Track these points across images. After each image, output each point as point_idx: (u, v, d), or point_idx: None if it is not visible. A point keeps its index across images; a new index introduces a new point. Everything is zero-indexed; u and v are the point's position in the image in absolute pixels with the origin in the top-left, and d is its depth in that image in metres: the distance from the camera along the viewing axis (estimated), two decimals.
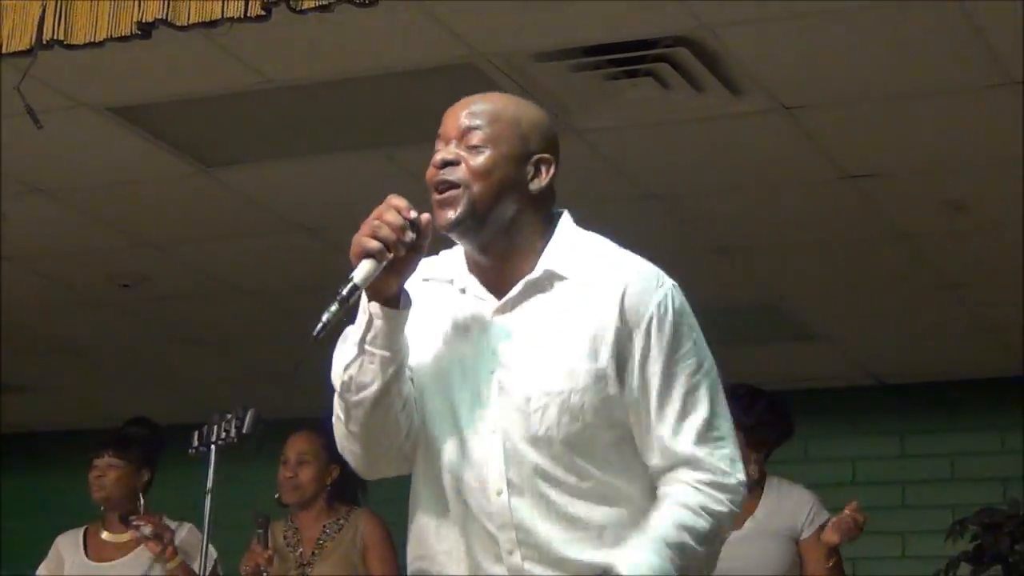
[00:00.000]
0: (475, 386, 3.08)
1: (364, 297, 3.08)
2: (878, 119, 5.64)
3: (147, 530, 5.89)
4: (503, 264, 3.14)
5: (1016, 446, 8.12)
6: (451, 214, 3.07)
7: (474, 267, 3.17)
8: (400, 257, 3.00)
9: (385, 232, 3.01)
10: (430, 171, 3.13)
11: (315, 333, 2.98)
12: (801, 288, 7.26)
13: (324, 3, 4.31)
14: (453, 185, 3.10)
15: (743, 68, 5.30)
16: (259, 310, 7.82)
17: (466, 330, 3.14)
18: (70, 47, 4.58)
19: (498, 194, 3.11)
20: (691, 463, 3.03)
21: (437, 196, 3.10)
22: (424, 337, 3.15)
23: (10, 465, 8.94)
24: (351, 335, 3.10)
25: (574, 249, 3.17)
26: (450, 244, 3.19)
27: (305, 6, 4.32)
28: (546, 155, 3.20)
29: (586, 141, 5.86)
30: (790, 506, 5.45)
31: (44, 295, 7.66)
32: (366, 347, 3.08)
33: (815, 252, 6.82)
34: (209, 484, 5.47)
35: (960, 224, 6.42)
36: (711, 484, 3.02)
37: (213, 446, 5.48)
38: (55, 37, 4.56)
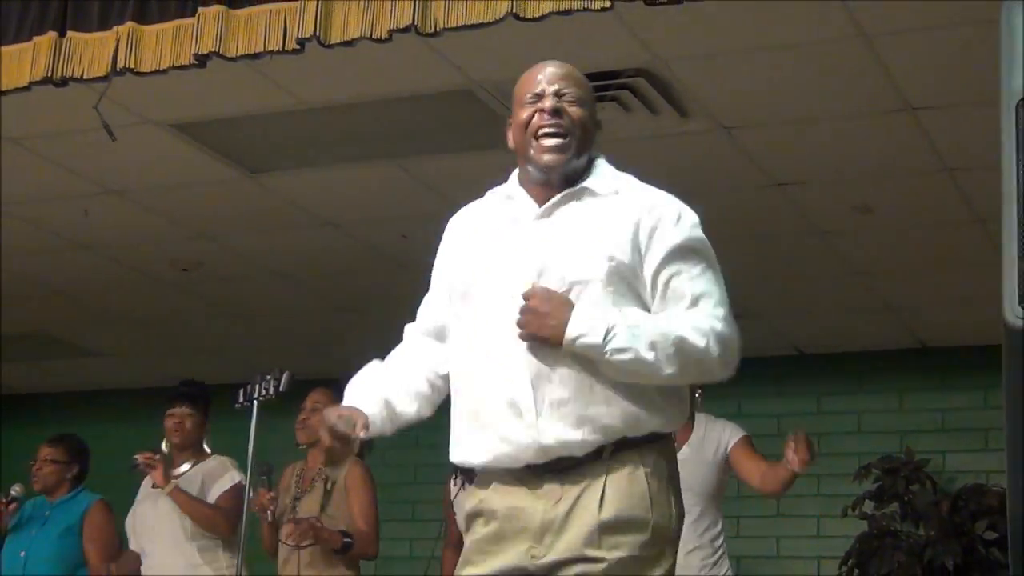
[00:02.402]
0: (517, 273, 3.09)
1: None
2: (800, 137, 5.65)
3: (138, 460, 5.91)
4: (559, 186, 3.22)
5: (911, 405, 8.14)
6: (563, 155, 3.19)
7: (527, 184, 3.26)
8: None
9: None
10: (539, 117, 3.23)
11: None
12: (735, 275, 7.24)
13: (347, 39, 4.32)
14: (562, 131, 3.20)
15: (690, 95, 5.31)
16: (292, 290, 7.81)
17: (513, 228, 3.19)
18: (139, 74, 4.58)
19: (590, 141, 3.27)
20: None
21: (549, 139, 3.19)
22: (476, 242, 3.25)
23: (87, 417, 8.91)
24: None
25: (607, 177, 3.28)
26: None
27: (332, 41, 4.32)
28: (595, 104, 3.35)
29: None
30: (715, 434, 5.44)
31: (117, 277, 7.65)
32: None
33: (748, 245, 6.82)
34: (252, 432, 5.48)
35: (866, 223, 6.43)
36: (710, 320, 3.15)
37: (255, 401, 5.49)
38: (126, 65, 4.56)
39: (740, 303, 8.07)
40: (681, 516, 3.15)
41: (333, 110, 5.59)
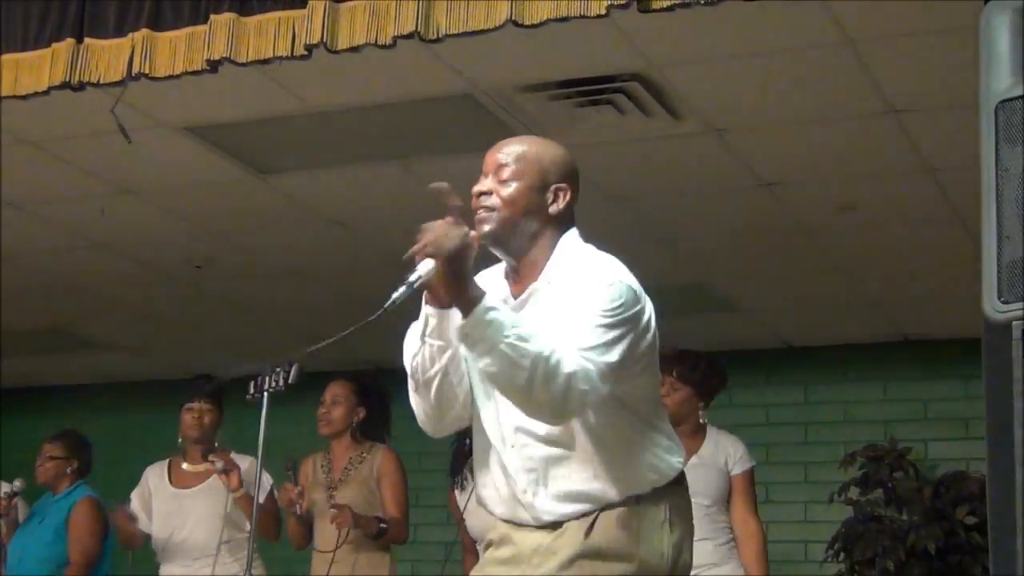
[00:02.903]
0: None
1: (424, 302, 3.15)
2: (787, 139, 5.64)
3: (220, 465, 5.90)
4: (525, 271, 3.22)
5: (895, 395, 8.15)
6: (486, 228, 3.17)
7: (510, 273, 3.25)
8: (454, 265, 2.98)
9: (443, 243, 3.00)
10: (473, 200, 3.19)
11: (386, 306, 3.12)
12: (726, 271, 7.27)
13: (353, 45, 4.31)
14: (489, 209, 3.19)
15: (683, 99, 5.31)
16: (300, 286, 7.82)
17: None
18: (153, 79, 4.57)
19: (523, 216, 3.20)
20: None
21: (476, 217, 3.18)
22: None
23: (103, 408, 8.91)
24: (413, 330, 3.21)
25: (564, 261, 3.20)
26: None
27: (339, 47, 4.32)
28: (563, 184, 3.26)
29: None
30: (724, 448, 5.47)
31: (133, 273, 7.65)
32: (425, 339, 3.16)
33: (737, 243, 6.83)
34: (263, 424, 5.47)
35: (851, 221, 6.43)
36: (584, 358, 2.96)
37: (265, 393, 5.48)
38: (141, 71, 4.55)
39: (730, 299, 8.15)
40: (681, 562, 3.16)
41: (339, 113, 5.59)
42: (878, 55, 4.87)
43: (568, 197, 3.27)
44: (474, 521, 5.82)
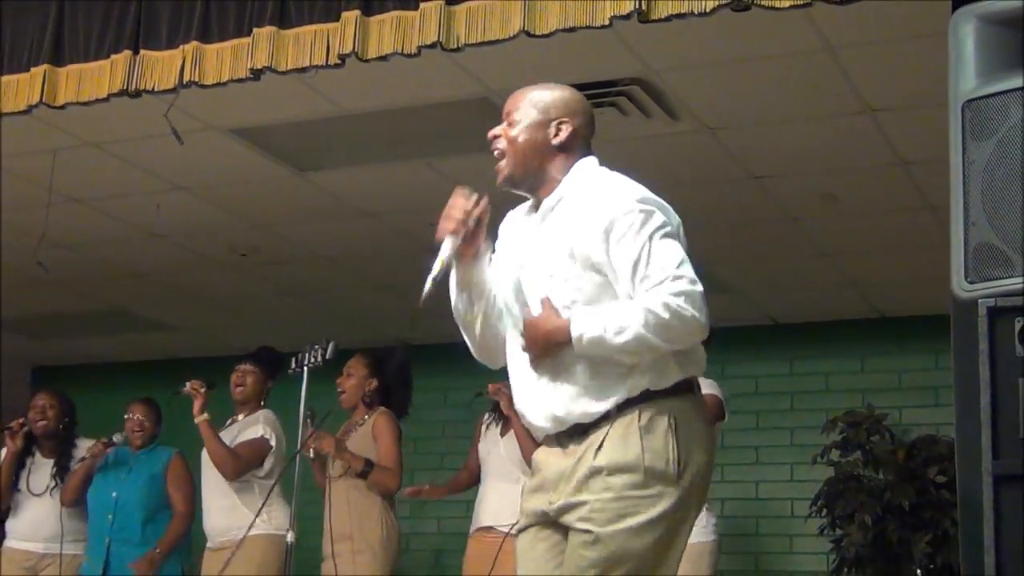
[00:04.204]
0: (521, 273, 3.20)
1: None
2: (774, 136, 5.63)
3: (185, 389, 5.97)
4: (539, 196, 3.26)
5: (872, 367, 8.13)
6: (501, 176, 3.27)
7: (531, 208, 3.31)
8: (470, 231, 3.11)
9: (456, 215, 3.14)
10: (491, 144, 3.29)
11: (420, 303, 3.09)
12: (719, 255, 7.26)
13: (382, 55, 4.32)
14: (501, 154, 3.27)
15: (679, 101, 5.30)
16: (335, 271, 7.82)
17: (523, 239, 3.26)
18: (202, 86, 4.59)
19: (529, 151, 3.25)
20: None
21: (496, 168, 3.28)
22: (506, 252, 3.30)
23: (161, 383, 8.93)
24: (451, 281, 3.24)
25: (578, 180, 3.24)
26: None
27: (369, 56, 4.32)
28: (564, 118, 3.28)
29: None
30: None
31: (185, 261, 7.66)
32: (459, 289, 3.23)
33: (729, 230, 6.81)
34: (303, 394, 5.48)
35: (832, 210, 6.42)
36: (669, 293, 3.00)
37: (305, 367, 5.50)
38: (192, 79, 4.57)
39: (722, 280, 8.14)
40: (690, 461, 3.05)
41: (370, 116, 5.59)
42: (856, 60, 4.86)
43: (571, 128, 3.28)
44: (481, 448, 5.94)
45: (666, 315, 2.97)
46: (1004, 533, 2.63)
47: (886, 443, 7.32)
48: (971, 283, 2.77)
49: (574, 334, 3.01)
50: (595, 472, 3.03)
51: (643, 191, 3.23)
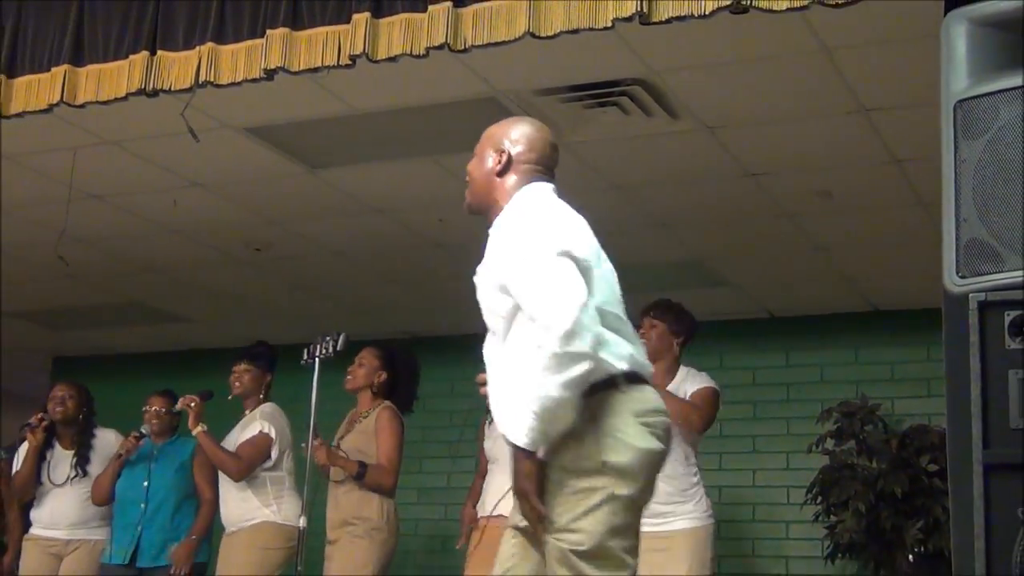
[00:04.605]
0: None
1: None
2: (771, 134, 5.63)
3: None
4: (491, 222, 3.37)
5: (865, 359, 8.12)
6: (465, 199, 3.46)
7: None
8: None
9: None
10: None
11: None
12: (717, 250, 7.26)
13: (392, 56, 4.31)
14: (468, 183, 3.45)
15: (679, 100, 5.29)
16: (346, 266, 7.82)
17: None
18: (218, 86, 4.58)
19: (475, 186, 3.42)
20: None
21: None
22: None
23: (177, 373, 8.95)
24: None
25: (513, 209, 3.31)
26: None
27: (379, 57, 4.32)
28: (502, 147, 3.39)
29: (571, 151, 5.85)
30: (688, 384, 5.43)
31: (201, 255, 7.67)
32: None
33: (727, 225, 6.81)
34: (314, 384, 5.48)
35: (826, 206, 6.41)
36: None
37: (317, 359, 5.50)
38: (207, 79, 4.56)
39: (720, 274, 8.15)
40: (615, 447, 3.05)
41: (380, 115, 5.58)
42: (851, 61, 4.85)
43: (508, 155, 3.36)
44: (487, 444, 5.94)
45: (541, 401, 2.98)
46: (994, 520, 2.63)
47: (879, 433, 7.33)
48: (962, 278, 2.77)
49: (526, 449, 3.02)
50: (552, 466, 3.12)
51: (548, 226, 3.18)
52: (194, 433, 5.96)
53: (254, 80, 4.52)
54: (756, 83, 5.11)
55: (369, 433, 5.73)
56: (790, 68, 4.96)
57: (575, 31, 4.08)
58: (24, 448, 6.49)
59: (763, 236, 6.94)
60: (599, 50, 4.76)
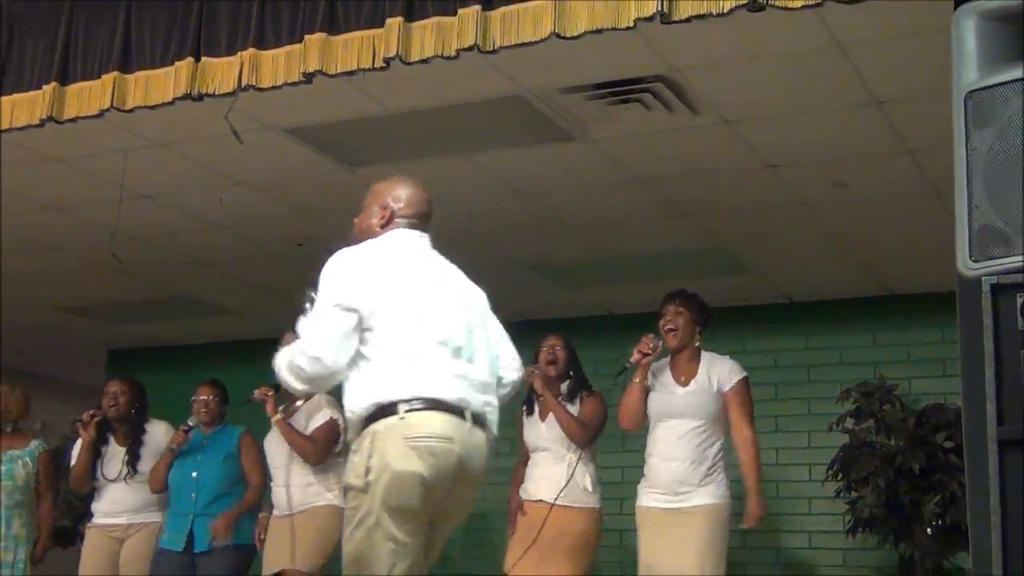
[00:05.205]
0: None
1: None
2: (788, 127, 5.60)
3: (256, 395, 6.05)
4: None
5: (883, 342, 8.09)
6: None
7: None
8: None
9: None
10: None
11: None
12: (738, 239, 7.24)
13: (424, 58, 4.32)
14: None
15: (699, 96, 5.28)
16: None
17: None
18: (259, 89, 4.60)
19: (359, 235, 4.06)
20: None
21: None
22: None
23: (221, 363, 8.99)
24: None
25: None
26: None
27: (411, 59, 4.33)
28: (385, 203, 4.03)
29: (597, 146, 5.85)
30: (717, 370, 5.45)
31: (246, 251, 7.70)
32: None
33: (747, 215, 6.79)
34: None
35: (843, 196, 6.38)
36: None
37: None
38: (249, 83, 4.58)
39: (741, 262, 8.13)
40: (384, 473, 3.35)
41: (413, 114, 5.59)
42: (864, 55, 4.83)
43: (388, 213, 4.01)
44: (528, 435, 5.96)
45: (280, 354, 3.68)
46: (1008, 494, 2.63)
47: (897, 411, 7.29)
48: (975, 262, 2.76)
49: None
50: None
51: (333, 264, 3.80)
52: (273, 420, 5.98)
53: (294, 83, 4.54)
54: (773, 78, 5.09)
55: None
56: (805, 63, 4.94)
57: (599, 31, 4.08)
58: (79, 443, 6.53)
59: (782, 225, 6.91)
60: (622, 49, 4.75)
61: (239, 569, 6.28)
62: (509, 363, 3.75)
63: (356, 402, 3.46)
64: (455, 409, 3.42)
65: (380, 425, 3.36)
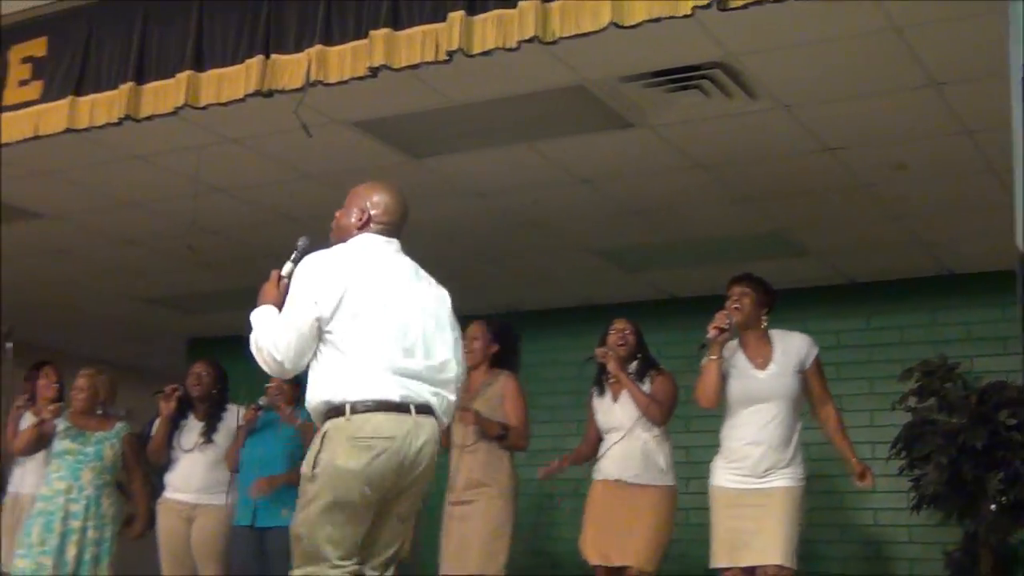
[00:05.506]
0: None
1: None
2: (846, 110, 5.54)
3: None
4: None
5: (943, 320, 8.00)
6: None
7: None
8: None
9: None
10: None
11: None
12: (798, 222, 7.18)
13: (485, 50, 4.32)
14: None
15: (757, 81, 5.24)
16: (449, 247, 7.86)
17: None
18: (327, 84, 4.63)
19: (338, 230, 4.30)
20: None
21: None
22: None
23: None
24: None
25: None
26: None
27: (473, 52, 4.33)
28: (363, 207, 4.27)
29: (656, 132, 5.83)
30: (794, 348, 5.39)
31: (315, 241, 7.73)
32: None
33: (806, 199, 6.73)
34: None
35: (902, 177, 6.31)
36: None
37: None
38: (317, 78, 4.61)
39: (802, 244, 8.06)
40: (329, 466, 3.70)
41: (476, 105, 5.60)
42: (920, 37, 4.76)
43: (365, 216, 4.24)
44: (600, 417, 5.94)
45: (255, 334, 3.98)
46: None
47: (958, 390, 7.21)
48: None
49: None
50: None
51: (306, 266, 4.05)
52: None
53: (360, 78, 4.56)
54: (830, 62, 5.04)
55: (495, 400, 5.82)
56: (862, 46, 4.88)
57: (656, 19, 4.05)
58: (158, 420, 6.65)
59: (842, 207, 6.84)
60: (679, 36, 4.73)
61: None
62: (455, 367, 4.01)
63: (312, 397, 3.82)
64: (400, 407, 3.74)
65: (331, 424, 3.72)
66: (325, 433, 3.73)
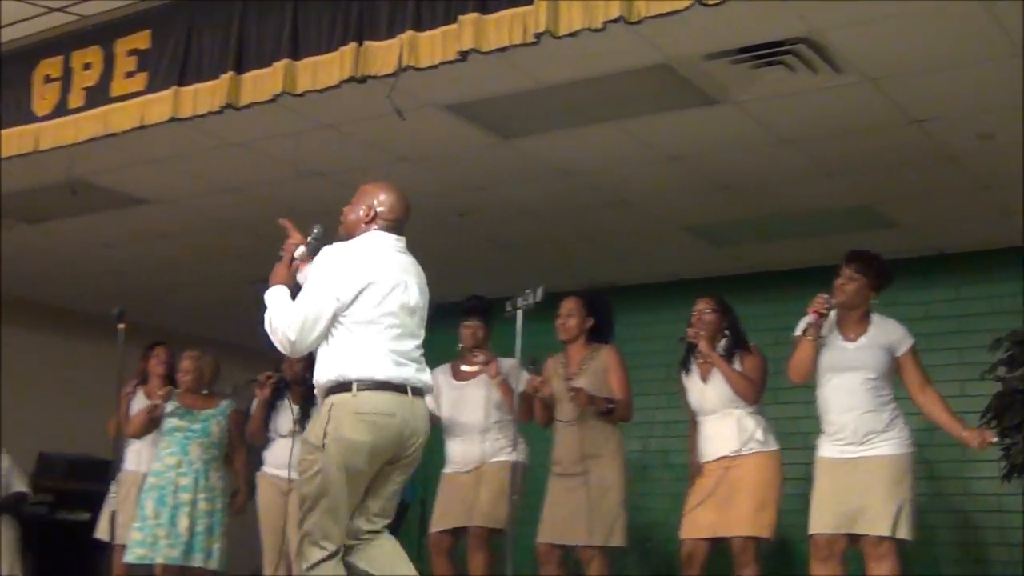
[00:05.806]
0: None
1: None
2: (932, 82, 5.45)
3: (481, 357, 6.06)
4: None
5: None
6: None
7: None
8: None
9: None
10: None
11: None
12: (887, 194, 7.08)
13: (572, 31, 4.32)
14: None
15: (842, 55, 5.17)
16: (539, 225, 7.88)
17: None
18: (418, 69, 4.67)
19: (347, 224, 4.46)
20: None
21: None
22: None
23: None
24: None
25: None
26: None
27: (560, 34, 4.34)
28: (371, 204, 4.44)
29: (742, 108, 5.78)
30: (887, 331, 5.35)
31: (412, 222, 7.75)
32: None
33: (894, 171, 6.64)
34: (518, 333, 5.53)
35: (989, 147, 6.19)
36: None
37: (519, 310, 5.56)
38: (408, 63, 4.65)
39: (890, 217, 7.94)
40: (338, 439, 4.00)
41: (564, 86, 5.61)
42: (1005, 7, 4.67)
43: (372, 213, 4.41)
44: (691, 398, 5.92)
45: (271, 314, 4.20)
46: None
47: None
48: None
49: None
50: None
51: (324, 257, 4.23)
52: (496, 383, 6.08)
53: (450, 62, 4.59)
54: (916, 34, 4.96)
55: (599, 373, 5.86)
56: (948, 17, 4.80)
57: None
58: (255, 401, 6.77)
59: (929, 179, 6.73)
60: (763, 13, 4.69)
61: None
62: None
63: (321, 375, 4.10)
64: (399, 387, 4.06)
65: (337, 398, 4.02)
66: (331, 406, 4.02)
